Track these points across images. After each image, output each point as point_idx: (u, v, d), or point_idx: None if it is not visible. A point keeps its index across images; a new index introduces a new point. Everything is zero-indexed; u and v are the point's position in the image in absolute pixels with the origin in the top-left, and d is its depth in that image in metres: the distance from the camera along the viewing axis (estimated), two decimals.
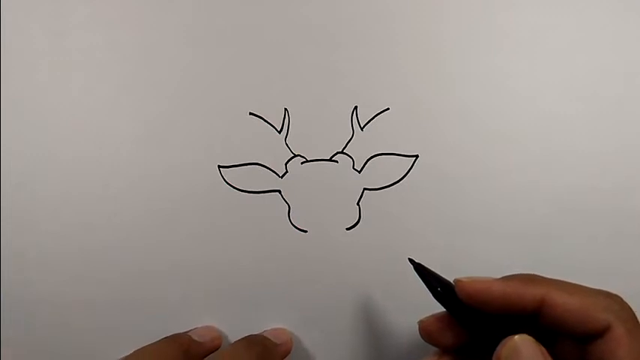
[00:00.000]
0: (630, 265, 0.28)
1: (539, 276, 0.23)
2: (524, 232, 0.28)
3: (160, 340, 0.26)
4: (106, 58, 0.29)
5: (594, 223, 0.28)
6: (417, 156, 0.29)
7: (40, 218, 0.29)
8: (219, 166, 0.29)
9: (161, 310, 0.29)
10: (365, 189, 0.29)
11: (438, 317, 0.24)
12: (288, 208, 0.29)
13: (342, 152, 0.29)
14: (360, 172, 0.29)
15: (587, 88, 0.28)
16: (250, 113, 0.29)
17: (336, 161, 0.29)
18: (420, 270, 0.24)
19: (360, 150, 0.29)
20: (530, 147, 0.28)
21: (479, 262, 0.28)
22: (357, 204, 0.29)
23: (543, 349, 0.21)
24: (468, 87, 0.28)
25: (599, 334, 0.21)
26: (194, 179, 0.29)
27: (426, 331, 0.24)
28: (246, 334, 0.28)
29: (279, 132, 0.29)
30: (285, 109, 0.29)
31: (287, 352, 0.28)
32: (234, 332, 0.29)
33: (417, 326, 0.25)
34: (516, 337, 0.21)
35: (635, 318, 0.21)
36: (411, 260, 0.24)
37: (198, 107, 0.29)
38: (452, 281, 0.23)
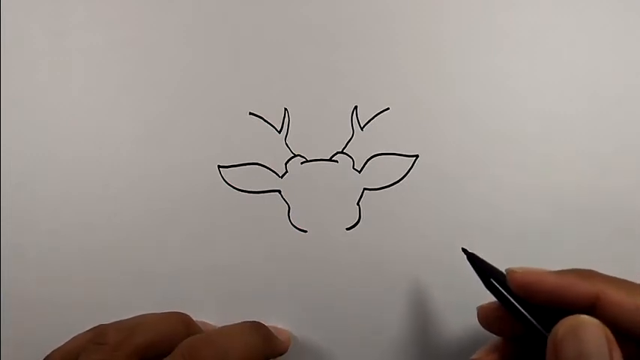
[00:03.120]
0: (630, 265, 0.28)
1: (596, 272, 0.22)
2: (524, 232, 0.28)
3: (162, 312, 0.26)
4: (106, 58, 0.29)
5: (594, 223, 0.28)
6: (417, 156, 0.29)
7: (40, 218, 0.29)
8: (219, 166, 0.29)
9: (161, 309, 0.29)
10: (365, 189, 0.29)
11: (497, 304, 0.23)
12: (288, 208, 0.29)
13: (342, 152, 0.29)
14: (360, 172, 0.29)
15: (587, 88, 0.28)
16: (250, 113, 0.29)
17: (336, 161, 0.29)
18: (473, 260, 0.24)
19: (360, 150, 0.29)
20: (530, 147, 0.28)
21: None
22: (357, 204, 0.29)
23: (610, 334, 0.19)
24: (468, 87, 0.28)
25: None
26: (194, 179, 0.29)
27: (484, 317, 0.24)
28: None
29: (279, 132, 0.29)
30: (285, 109, 0.29)
31: (284, 350, 0.28)
32: None
33: (476, 311, 0.24)
34: (579, 315, 0.19)
35: None
36: (464, 250, 0.24)
37: (198, 107, 0.29)
38: (504, 271, 0.23)
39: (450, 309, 0.29)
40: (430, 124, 0.29)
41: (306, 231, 0.29)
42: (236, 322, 0.26)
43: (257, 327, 0.26)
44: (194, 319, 0.27)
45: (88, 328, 0.25)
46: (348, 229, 0.29)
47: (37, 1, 0.29)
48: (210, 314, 0.29)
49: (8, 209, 0.29)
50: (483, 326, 0.24)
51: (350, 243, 0.29)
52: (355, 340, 0.30)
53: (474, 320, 0.25)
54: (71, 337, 0.25)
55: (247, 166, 0.29)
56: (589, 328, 0.19)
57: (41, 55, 0.29)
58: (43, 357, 0.24)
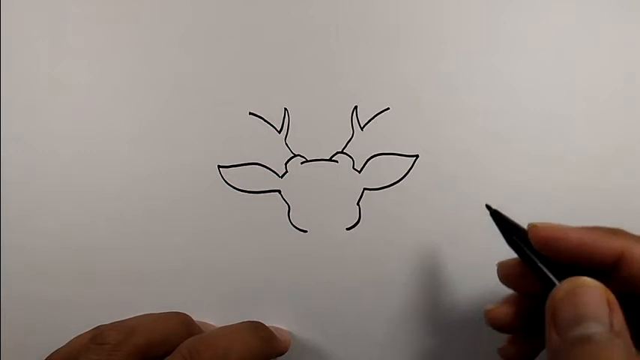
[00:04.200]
0: None
1: (622, 230, 0.21)
2: None
3: (162, 312, 0.26)
4: (106, 58, 0.29)
5: (594, 223, 0.28)
6: (417, 156, 0.29)
7: (40, 218, 0.29)
8: (219, 166, 0.29)
9: (161, 309, 0.29)
10: (365, 189, 0.29)
11: (517, 260, 0.23)
12: (288, 208, 0.29)
13: (342, 152, 0.29)
14: (360, 172, 0.29)
15: (587, 88, 0.28)
16: (250, 113, 0.29)
17: (336, 161, 0.29)
18: (496, 216, 0.24)
19: (360, 150, 0.29)
20: (530, 147, 0.28)
21: (479, 261, 0.28)
22: (357, 204, 0.29)
23: (612, 296, 0.18)
24: (468, 87, 0.28)
25: None
26: (194, 179, 0.29)
27: (505, 273, 0.23)
28: None
29: (279, 132, 0.29)
30: (285, 109, 0.29)
31: (284, 350, 0.28)
32: None
33: (496, 268, 0.24)
34: (580, 277, 0.19)
35: None
36: (487, 206, 0.24)
37: (198, 107, 0.29)
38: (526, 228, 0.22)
39: (450, 308, 0.29)
40: (430, 124, 0.29)
41: (306, 231, 0.29)
42: (236, 322, 0.26)
43: (257, 327, 0.26)
44: (194, 319, 0.27)
45: (88, 329, 0.25)
46: (348, 229, 0.29)
47: (37, 1, 0.29)
48: (211, 314, 0.29)
49: (8, 209, 0.29)
50: (503, 282, 0.23)
51: (350, 243, 0.29)
52: (355, 340, 0.30)
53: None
54: (71, 337, 0.25)
55: (247, 166, 0.29)
56: (588, 290, 0.19)
57: (41, 55, 0.29)
58: (43, 357, 0.24)
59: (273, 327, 0.29)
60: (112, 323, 0.24)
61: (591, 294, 0.18)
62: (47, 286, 0.30)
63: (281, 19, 0.29)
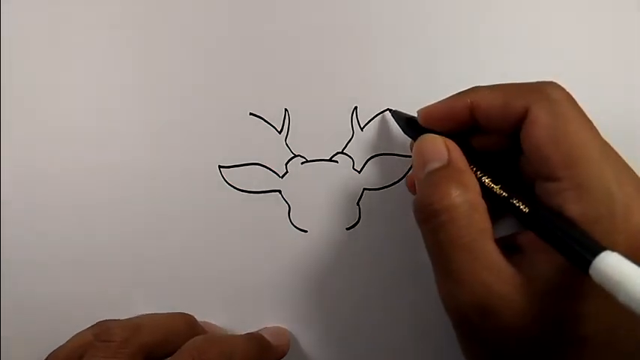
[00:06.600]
0: None
1: (471, 87, 0.24)
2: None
3: (167, 312, 0.26)
4: (106, 58, 0.29)
5: None
6: None
7: (40, 219, 0.29)
8: (220, 166, 0.29)
9: (162, 309, 0.29)
10: (365, 189, 0.29)
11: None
12: (288, 208, 0.29)
13: (342, 152, 0.29)
14: (360, 172, 0.29)
15: (587, 88, 0.28)
16: (250, 113, 0.29)
17: (336, 161, 0.29)
18: (395, 114, 0.28)
19: (360, 150, 0.29)
20: None
21: None
22: (357, 204, 0.29)
23: (450, 142, 0.22)
24: (467, 87, 0.28)
25: (520, 121, 0.22)
26: (194, 179, 0.29)
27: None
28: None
29: (280, 132, 0.29)
30: (285, 109, 0.29)
31: (283, 354, 0.28)
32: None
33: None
34: (424, 134, 0.23)
35: (568, 101, 0.22)
36: (388, 109, 0.28)
37: (198, 108, 0.29)
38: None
39: None
40: None
41: (306, 231, 0.29)
42: (236, 323, 0.26)
43: (255, 336, 0.27)
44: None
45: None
46: (348, 229, 0.29)
47: (37, 0, 0.29)
48: (212, 314, 0.29)
49: (8, 209, 0.29)
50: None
51: (350, 243, 0.29)
52: (355, 340, 0.30)
53: None
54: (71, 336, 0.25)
55: (248, 166, 0.29)
56: (428, 139, 0.23)
57: (41, 55, 0.29)
58: (43, 357, 0.24)
59: (274, 327, 0.29)
60: (116, 320, 0.24)
61: (431, 142, 0.23)
62: (47, 286, 0.30)
63: (281, 20, 0.29)
